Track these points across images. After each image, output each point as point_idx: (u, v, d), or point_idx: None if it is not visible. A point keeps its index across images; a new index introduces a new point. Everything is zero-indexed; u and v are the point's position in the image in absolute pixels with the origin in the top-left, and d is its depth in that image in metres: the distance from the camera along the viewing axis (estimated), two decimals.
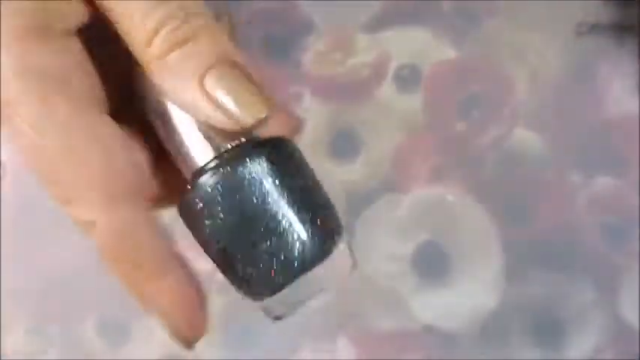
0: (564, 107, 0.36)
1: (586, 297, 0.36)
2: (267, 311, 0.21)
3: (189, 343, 0.22)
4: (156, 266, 0.21)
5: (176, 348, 0.40)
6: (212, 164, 0.20)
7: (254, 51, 0.37)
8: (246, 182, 0.19)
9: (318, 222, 0.20)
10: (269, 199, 0.19)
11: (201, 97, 0.19)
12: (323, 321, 0.36)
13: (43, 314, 0.38)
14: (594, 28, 0.36)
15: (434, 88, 0.36)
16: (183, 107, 0.20)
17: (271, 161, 0.19)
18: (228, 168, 0.19)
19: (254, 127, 0.19)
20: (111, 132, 0.20)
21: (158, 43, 0.19)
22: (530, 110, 0.36)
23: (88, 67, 0.20)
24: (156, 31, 0.19)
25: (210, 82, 0.19)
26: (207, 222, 0.19)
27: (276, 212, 0.19)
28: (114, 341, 0.37)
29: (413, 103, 0.37)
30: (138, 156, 0.21)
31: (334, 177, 0.37)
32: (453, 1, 0.37)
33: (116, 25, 0.20)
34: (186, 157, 0.20)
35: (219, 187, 0.19)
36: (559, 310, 0.36)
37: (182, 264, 0.21)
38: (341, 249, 0.20)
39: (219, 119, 0.19)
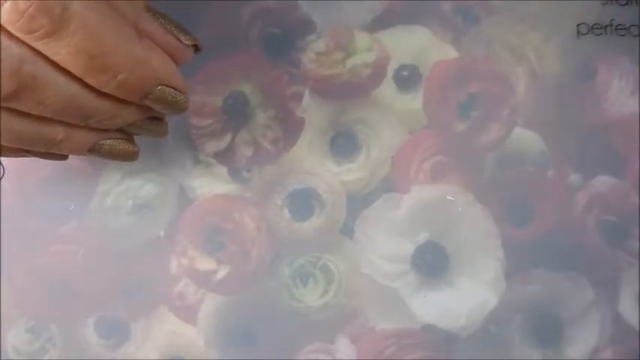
0: (564, 107, 0.36)
1: (586, 297, 0.36)
2: None
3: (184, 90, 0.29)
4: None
5: (176, 348, 0.40)
6: None
7: (254, 51, 0.37)
8: None
9: None
10: None
11: None
12: (323, 321, 0.36)
13: (43, 314, 0.38)
14: (594, 28, 0.36)
15: (434, 88, 0.36)
16: None
17: None
18: None
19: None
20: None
21: None
22: (530, 110, 0.36)
23: None
24: None
25: None
26: None
27: None
28: (114, 341, 0.37)
29: (413, 103, 0.37)
30: None
31: (334, 177, 0.37)
32: (453, 1, 0.37)
33: None
34: None
35: None
36: (559, 310, 0.36)
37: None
38: None
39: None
